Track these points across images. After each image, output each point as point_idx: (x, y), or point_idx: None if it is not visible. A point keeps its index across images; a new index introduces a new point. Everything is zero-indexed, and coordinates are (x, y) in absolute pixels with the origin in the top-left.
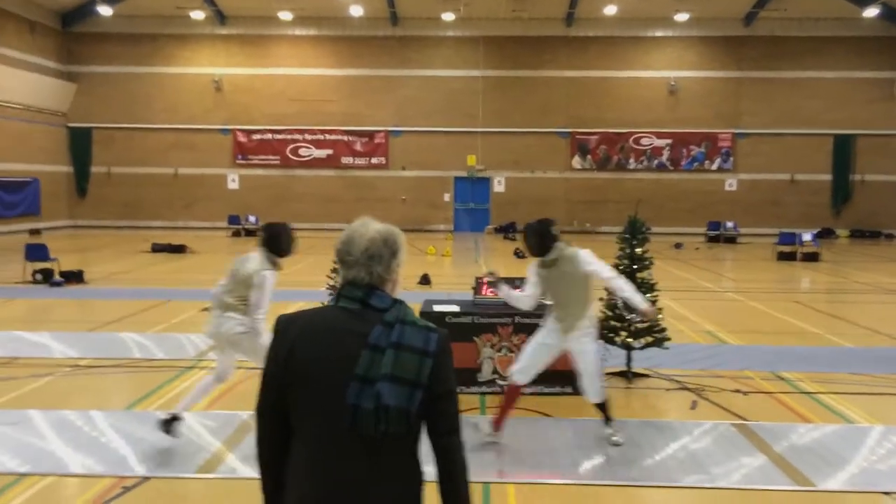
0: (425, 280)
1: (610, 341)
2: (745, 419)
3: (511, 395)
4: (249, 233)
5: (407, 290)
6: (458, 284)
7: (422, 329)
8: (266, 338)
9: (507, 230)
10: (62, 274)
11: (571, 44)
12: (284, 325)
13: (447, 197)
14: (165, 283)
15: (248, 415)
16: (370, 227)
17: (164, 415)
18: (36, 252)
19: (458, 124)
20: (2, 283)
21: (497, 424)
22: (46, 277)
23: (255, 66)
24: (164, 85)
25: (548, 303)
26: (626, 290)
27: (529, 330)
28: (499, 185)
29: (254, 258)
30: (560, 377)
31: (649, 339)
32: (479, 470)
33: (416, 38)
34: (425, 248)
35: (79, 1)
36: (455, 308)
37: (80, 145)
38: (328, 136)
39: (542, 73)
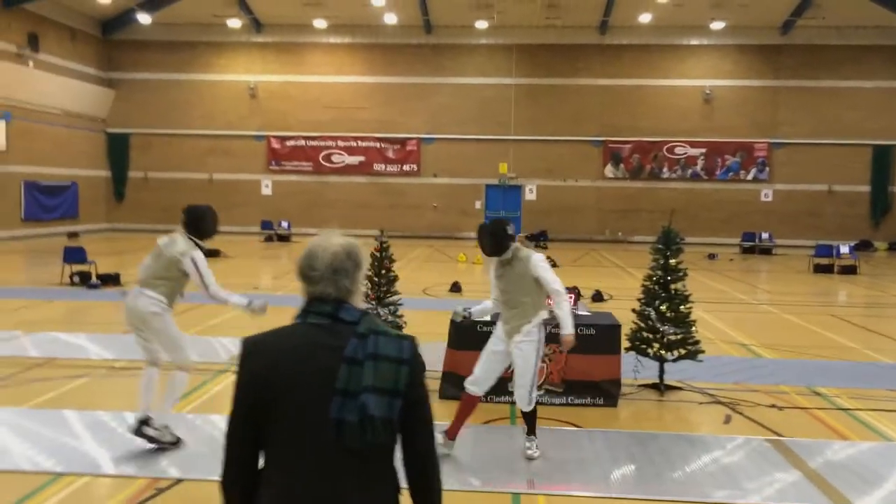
0: (456, 288)
1: (642, 353)
2: (779, 434)
3: (466, 405)
4: (282, 238)
5: (438, 298)
6: (488, 293)
7: (394, 338)
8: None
9: (538, 238)
10: (99, 276)
11: (605, 52)
12: (253, 347)
13: (478, 204)
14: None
15: None
16: (332, 240)
17: (133, 421)
18: (74, 255)
19: (490, 132)
20: (41, 285)
21: (451, 434)
22: (84, 280)
23: (290, 73)
24: (201, 92)
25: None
26: (563, 307)
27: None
28: (530, 194)
29: (179, 241)
30: (590, 388)
31: (682, 351)
32: (508, 480)
33: (449, 45)
34: (456, 256)
35: (119, 9)
36: (486, 317)
37: (118, 150)
38: (360, 143)
39: (575, 81)
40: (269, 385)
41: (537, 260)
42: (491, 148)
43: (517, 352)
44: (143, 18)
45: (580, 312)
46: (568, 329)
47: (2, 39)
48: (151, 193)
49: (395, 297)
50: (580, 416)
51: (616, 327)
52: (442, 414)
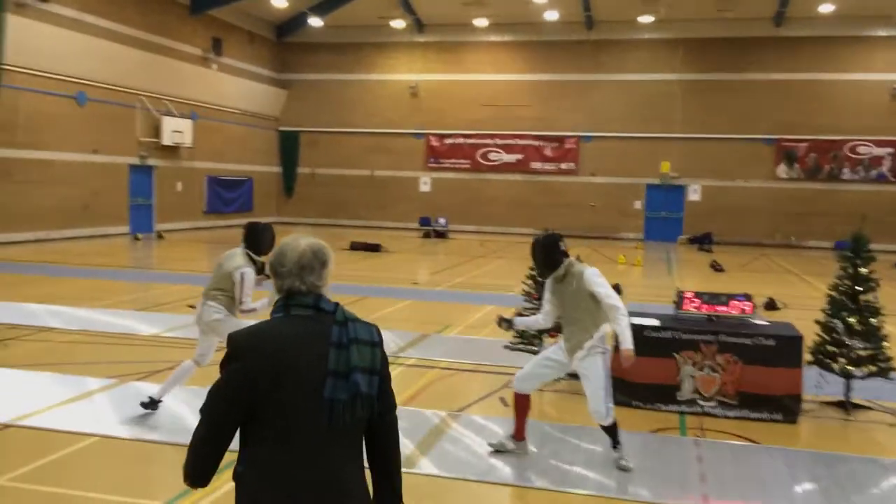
0: (616, 290)
1: (826, 368)
2: None
3: (519, 403)
4: (439, 234)
5: None
6: (650, 296)
7: (365, 324)
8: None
9: (702, 241)
10: None
11: (780, 45)
12: (248, 340)
13: (638, 204)
14: (363, 280)
15: (441, 415)
16: (300, 241)
17: (146, 398)
18: None
19: (653, 130)
20: None
21: (518, 435)
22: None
23: (450, 72)
24: (366, 91)
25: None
26: (621, 322)
27: (735, 349)
28: (694, 194)
29: (237, 255)
30: (767, 402)
31: (872, 367)
32: (681, 494)
33: (611, 41)
34: (615, 257)
35: (293, 13)
36: (654, 322)
37: (288, 148)
38: (519, 141)
39: (746, 76)
40: (272, 372)
41: (591, 275)
42: (653, 146)
43: (582, 369)
44: (315, 22)
45: (757, 322)
46: (626, 344)
47: (190, 44)
48: (317, 189)
49: None
50: (756, 432)
51: (798, 339)
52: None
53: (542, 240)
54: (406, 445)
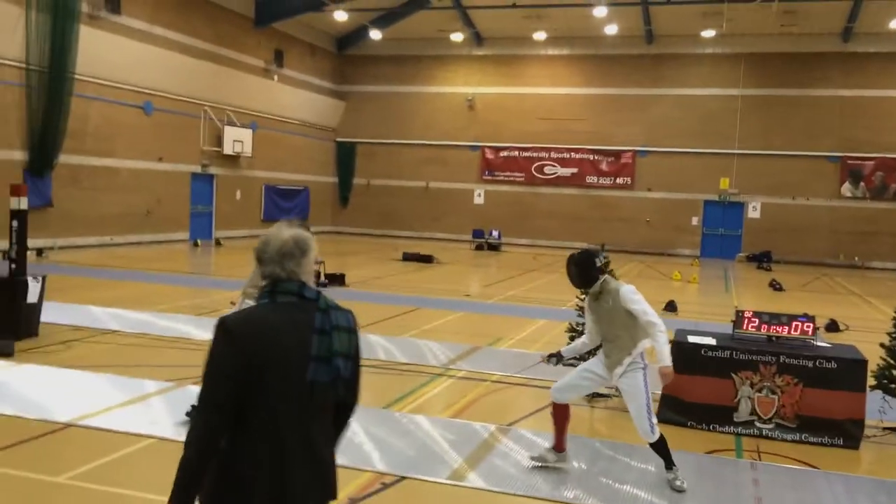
0: (671, 307)
1: (891, 392)
2: None
3: (558, 414)
4: (492, 247)
5: None
6: (706, 314)
7: (343, 311)
8: None
9: (760, 259)
10: (327, 276)
11: (847, 60)
12: (238, 325)
13: (695, 221)
14: (415, 290)
15: (490, 429)
16: (284, 231)
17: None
18: None
19: (712, 145)
20: None
21: (558, 447)
22: (314, 278)
23: (507, 85)
24: (423, 103)
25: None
26: (659, 339)
27: (796, 371)
28: (753, 211)
29: None
30: (828, 426)
31: None
32: None
33: (671, 55)
34: (670, 273)
35: (354, 27)
36: (711, 341)
37: (345, 158)
38: (574, 155)
39: (810, 92)
40: (262, 355)
41: (627, 292)
42: (712, 162)
43: (623, 386)
44: (375, 34)
45: (819, 344)
46: (665, 361)
47: (252, 56)
48: (372, 199)
49: None
50: (815, 456)
51: (862, 362)
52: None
53: (576, 256)
54: (454, 458)
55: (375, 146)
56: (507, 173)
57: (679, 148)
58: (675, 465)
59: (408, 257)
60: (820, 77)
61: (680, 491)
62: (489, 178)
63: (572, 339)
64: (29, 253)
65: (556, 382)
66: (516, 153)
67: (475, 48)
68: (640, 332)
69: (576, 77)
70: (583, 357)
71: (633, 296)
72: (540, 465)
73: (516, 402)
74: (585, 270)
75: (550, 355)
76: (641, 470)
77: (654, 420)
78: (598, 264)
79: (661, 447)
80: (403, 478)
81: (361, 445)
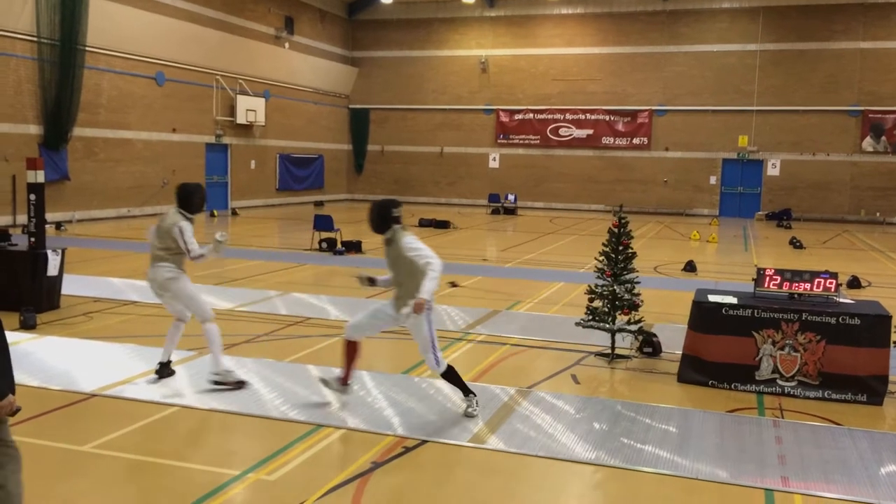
0: (690, 267)
1: None
2: None
3: (349, 350)
4: (508, 211)
5: (670, 277)
6: (725, 274)
7: None
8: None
9: (780, 217)
10: (344, 244)
11: (869, 11)
12: None
13: (713, 180)
14: None
15: (510, 392)
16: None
17: (156, 365)
18: (323, 223)
19: (730, 103)
20: (294, 250)
21: (344, 380)
22: (331, 246)
23: (521, 46)
24: (435, 67)
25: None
26: (428, 274)
27: (818, 328)
28: (773, 168)
29: (171, 214)
30: (852, 383)
31: None
32: (759, 474)
33: (687, 11)
34: (688, 234)
35: None
36: (732, 300)
37: (358, 125)
38: (589, 116)
39: (830, 46)
40: None
41: (407, 241)
42: (729, 119)
43: (410, 326)
44: None
45: (841, 300)
46: (422, 294)
47: (263, 23)
48: (387, 166)
49: (631, 275)
50: (839, 413)
51: (886, 318)
52: (680, 397)
53: (378, 204)
54: (474, 422)
55: (389, 112)
56: (522, 136)
57: (696, 106)
58: (471, 393)
59: (424, 223)
60: (841, 30)
61: (471, 417)
62: (504, 141)
63: (591, 300)
64: (47, 226)
65: (350, 321)
66: (531, 116)
67: (487, 9)
68: (422, 278)
69: (590, 36)
70: (602, 316)
71: (413, 244)
72: (325, 386)
73: (535, 365)
74: (378, 218)
75: (366, 277)
76: (663, 431)
77: (440, 354)
78: (394, 214)
79: (451, 377)
80: (425, 441)
81: (382, 410)
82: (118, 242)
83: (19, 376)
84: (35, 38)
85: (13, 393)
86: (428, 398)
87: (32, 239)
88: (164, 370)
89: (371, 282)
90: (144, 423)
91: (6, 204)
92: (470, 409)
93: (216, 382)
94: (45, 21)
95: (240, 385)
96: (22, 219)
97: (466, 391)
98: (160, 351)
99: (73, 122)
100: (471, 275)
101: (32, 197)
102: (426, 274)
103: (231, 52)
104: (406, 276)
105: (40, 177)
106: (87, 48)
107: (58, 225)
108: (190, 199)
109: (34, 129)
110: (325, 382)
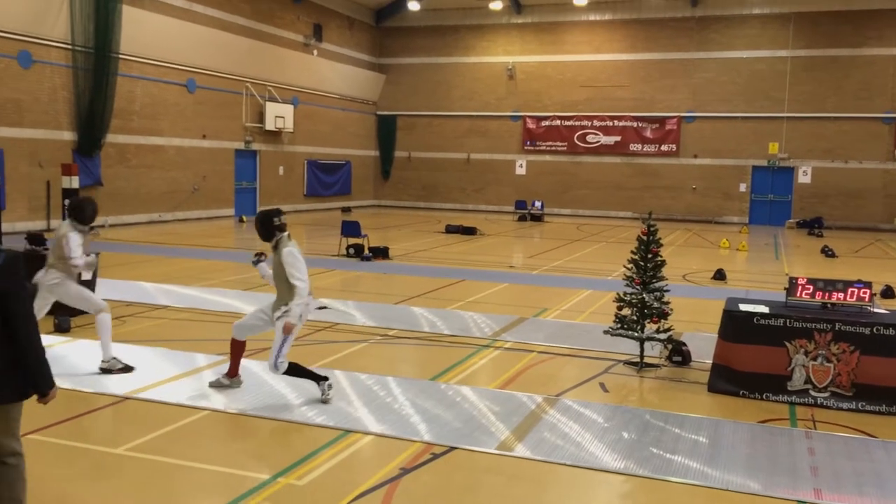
0: (720, 275)
1: None
2: None
3: (235, 347)
4: (535, 217)
5: (700, 285)
6: (756, 282)
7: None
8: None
9: (812, 225)
10: (371, 249)
11: None
12: None
13: (743, 187)
14: (458, 263)
15: (537, 400)
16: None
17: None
18: (350, 229)
19: (760, 109)
20: (322, 255)
21: (232, 373)
22: (358, 252)
23: (548, 53)
24: (462, 74)
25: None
26: (294, 299)
27: (851, 339)
28: (804, 176)
29: (63, 225)
30: (886, 394)
31: None
32: (791, 486)
33: (717, 17)
34: (718, 241)
35: None
36: (764, 309)
37: (386, 131)
38: (617, 123)
39: (863, 52)
40: None
41: (287, 254)
42: (760, 126)
43: (276, 327)
44: (413, 5)
45: (876, 310)
46: (288, 318)
47: (292, 31)
48: (413, 172)
49: (661, 283)
50: (873, 425)
51: None
52: (710, 406)
53: (260, 213)
54: (501, 429)
55: (416, 118)
56: (549, 143)
57: (726, 113)
58: (324, 379)
59: (451, 229)
60: (874, 36)
61: (324, 402)
62: (531, 148)
63: (620, 308)
64: None
65: (237, 321)
66: (558, 122)
67: (514, 16)
68: (293, 291)
69: (618, 43)
70: (630, 324)
71: (289, 258)
72: (217, 387)
73: (563, 373)
74: (263, 226)
75: (260, 253)
76: (693, 441)
77: (282, 358)
78: (277, 223)
79: (295, 372)
80: (453, 448)
81: (409, 417)
82: (150, 247)
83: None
84: (70, 46)
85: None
86: (455, 405)
87: None
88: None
89: (258, 257)
90: (176, 427)
91: (41, 209)
92: (324, 396)
93: (103, 370)
94: (79, 29)
95: (127, 369)
96: (56, 223)
97: (317, 377)
98: (190, 355)
99: (106, 128)
100: (497, 282)
101: (67, 202)
102: (293, 295)
103: (260, 60)
104: (282, 283)
105: (75, 182)
106: (120, 56)
107: (90, 229)
108: (79, 212)
109: (68, 136)
110: (216, 384)
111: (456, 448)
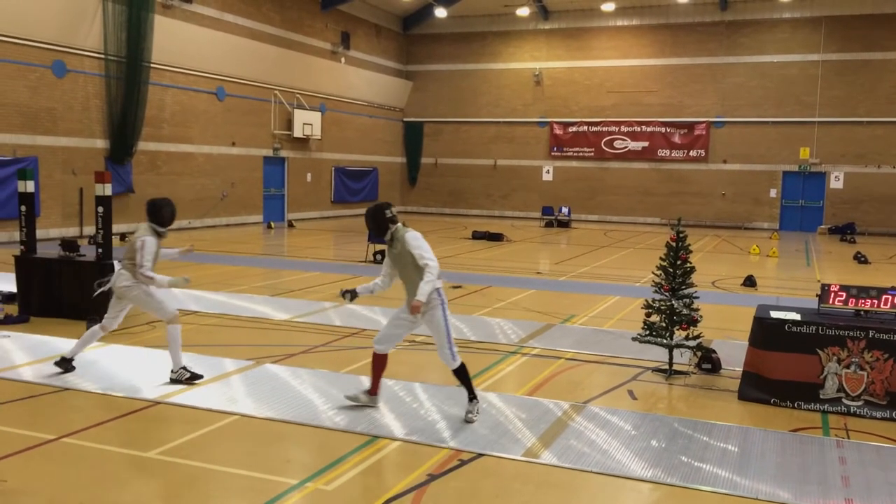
0: (750, 282)
1: None
2: None
3: (377, 362)
4: (562, 224)
5: (729, 292)
6: (787, 289)
7: None
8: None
9: (844, 231)
10: None
11: None
12: None
13: (773, 193)
14: (486, 269)
15: (563, 407)
16: None
17: (58, 358)
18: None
19: (791, 114)
20: (349, 262)
21: (373, 391)
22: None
23: (575, 59)
24: (489, 80)
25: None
26: (426, 276)
27: (885, 346)
28: (836, 181)
29: (140, 228)
30: None
31: None
32: (822, 496)
33: (747, 21)
34: (748, 248)
35: (418, 5)
36: (796, 316)
37: (412, 138)
38: (645, 128)
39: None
40: None
41: (410, 238)
42: (790, 131)
43: (426, 322)
44: (440, 12)
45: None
46: (419, 296)
47: (320, 39)
48: (440, 178)
49: (690, 290)
50: None
51: None
52: (741, 414)
53: (370, 209)
54: (528, 436)
55: (442, 125)
56: (576, 149)
57: (756, 118)
58: (476, 399)
59: (477, 236)
60: None
61: (470, 422)
62: (558, 154)
63: (649, 315)
64: (113, 237)
65: (377, 335)
66: (585, 128)
67: (542, 22)
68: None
69: (646, 48)
70: (659, 331)
71: (414, 241)
72: (353, 403)
73: (591, 380)
74: (375, 222)
75: (345, 291)
76: (722, 449)
77: (455, 349)
78: (389, 215)
79: (462, 375)
80: (480, 455)
81: (435, 423)
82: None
83: (85, 384)
84: (102, 56)
85: None
86: (481, 411)
87: (100, 250)
88: (65, 364)
89: (352, 294)
90: (207, 431)
91: (74, 216)
92: (470, 415)
93: (172, 381)
94: (112, 39)
95: (195, 378)
96: (88, 230)
97: (472, 395)
98: (220, 360)
99: (137, 136)
100: (525, 288)
101: (100, 209)
102: (424, 276)
103: (289, 68)
104: (413, 273)
105: (108, 190)
106: (151, 65)
107: (122, 236)
108: (158, 214)
109: (101, 144)
110: (353, 398)
111: (483, 455)
